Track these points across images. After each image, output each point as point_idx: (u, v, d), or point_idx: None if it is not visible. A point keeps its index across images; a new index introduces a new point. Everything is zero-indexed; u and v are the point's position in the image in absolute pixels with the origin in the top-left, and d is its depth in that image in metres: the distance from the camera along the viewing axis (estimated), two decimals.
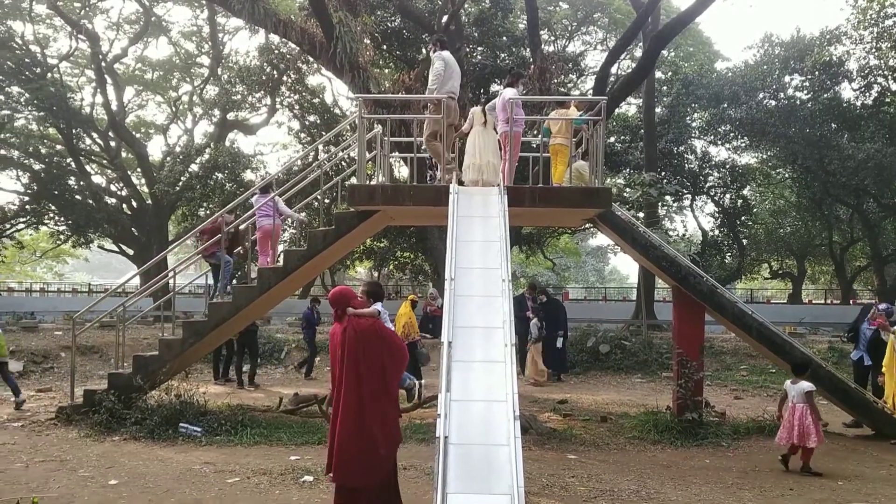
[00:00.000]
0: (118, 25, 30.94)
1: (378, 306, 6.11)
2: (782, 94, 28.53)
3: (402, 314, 12.99)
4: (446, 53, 10.32)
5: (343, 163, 18.27)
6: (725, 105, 27.81)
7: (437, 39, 10.85)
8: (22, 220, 32.42)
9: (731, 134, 29.84)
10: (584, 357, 17.41)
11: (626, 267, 73.97)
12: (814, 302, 38.71)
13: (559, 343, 15.75)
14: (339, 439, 5.54)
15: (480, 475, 5.12)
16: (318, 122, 26.55)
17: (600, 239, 47.88)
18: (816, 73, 27.09)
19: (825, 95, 27.42)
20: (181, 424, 9.59)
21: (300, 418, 10.64)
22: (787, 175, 32.96)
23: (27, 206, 31.46)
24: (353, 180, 11.38)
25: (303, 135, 27.98)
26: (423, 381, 11.20)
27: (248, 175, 25.97)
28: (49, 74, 28.69)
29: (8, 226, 32.28)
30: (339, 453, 5.53)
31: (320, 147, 19.69)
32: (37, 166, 30.92)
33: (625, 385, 15.65)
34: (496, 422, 5.56)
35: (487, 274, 7.30)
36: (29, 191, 31.14)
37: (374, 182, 11.03)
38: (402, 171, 22.69)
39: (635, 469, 8.30)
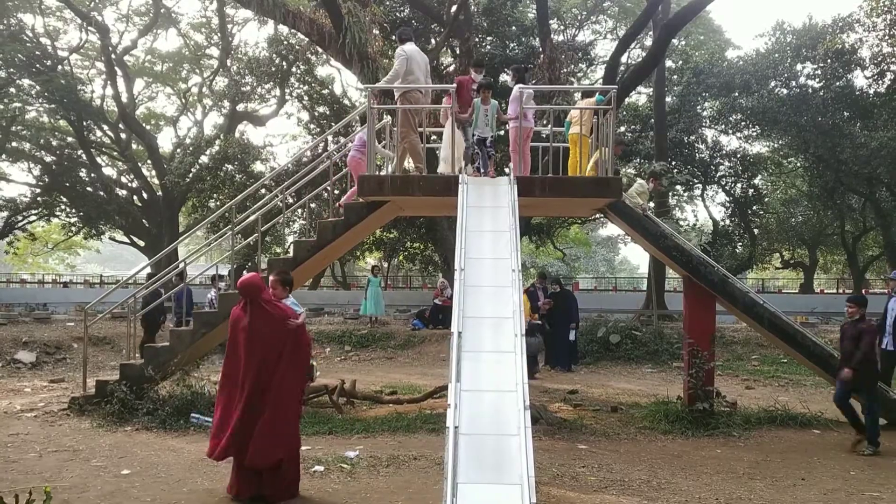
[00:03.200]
0: (128, 17, 31.02)
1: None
2: (794, 83, 28.30)
3: None
4: (409, 47, 10.09)
5: None
6: (736, 94, 27.62)
7: (399, 33, 10.63)
8: (34, 212, 32.69)
9: (743, 123, 29.64)
10: (594, 347, 17.38)
11: (636, 257, 73.79)
12: (825, 292, 38.50)
13: (571, 336, 15.73)
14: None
15: (491, 465, 5.13)
16: (328, 112, 26.55)
17: (610, 229, 47.79)
18: (829, 60, 26.84)
19: (837, 83, 27.17)
20: (192, 415, 9.63)
21: (310, 408, 10.67)
22: (798, 164, 32.76)
23: (39, 199, 31.72)
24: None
25: (312, 126, 28.00)
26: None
27: (258, 166, 26.02)
28: (59, 67, 28.82)
29: (20, 218, 32.53)
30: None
31: (329, 138, 19.71)
32: (48, 158, 31.14)
33: (635, 375, 15.62)
34: (506, 412, 5.56)
35: (497, 264, 7.29)
36: (40, 183, 31.36)
37: (383, 172, 11.01)
38: (411, 162, 22.66)
39: (646, 459, 8.28)
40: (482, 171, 8.71)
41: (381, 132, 11.23)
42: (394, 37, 10.73)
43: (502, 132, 8.95)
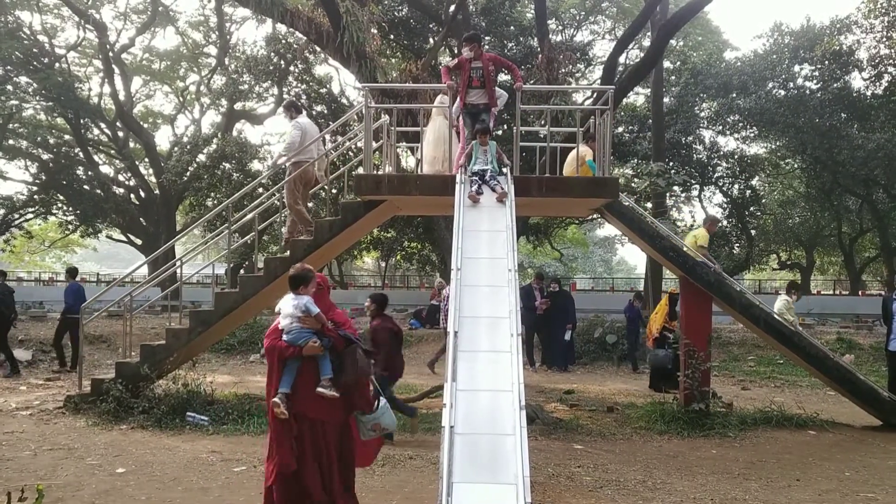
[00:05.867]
0: (125, 15, 30.99)
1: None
2: (792, 84, 28.34)
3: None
4: (303, 119, 10.53)
5: (350, 152, 18.24)
6: (734, 95, 27.64)
7: (289, 104, 10.92)
8: (31, 209, 32.63)
9: (740, 124, 29.68)
10: (590, 347, 17.40)
11: (633, 257, 73.95)
12: (822, 293, 38.57)
13: (567, 335, 15.76)
14: None
15: (486, 464, 5.12)
16: (326, 111, 26.49)
17: (608, 229, 47.90)
18: (826, 62, 26.88)
19: (835, 85, 27.24)
20: (188, 413, 9.62)
21: None
22: (796, 165, 32.80)
23: (36, 196, 31.66)
24: (360, 170, 11.36)
25: None
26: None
27: (256, 165, 25.99)
28: (57, 65, 28.78)
29: (17, 216, 32.49)
30: None
31: (327, 137, 19.64)
32: (45, 156, 31.11)
33: (631, 375, 15.64)
34: (502, 411, 5.55)
35: (494, 264, 7.28)
36: (37, 181, 31.33)
37: (380, 172, 11.00)
38: (409, 161, 22.65)
39: (641, 459, 8.29)
40: (478, 195, 8.44)
41: (378, 131, 11.21)
42: (281, 108, 10.97)
43: (505, 170, 8.86)
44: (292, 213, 10.52)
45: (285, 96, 28.82)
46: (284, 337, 5.09)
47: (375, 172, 10.41)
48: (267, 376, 5.24)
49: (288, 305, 5.16)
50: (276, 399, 4.97)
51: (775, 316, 10.60)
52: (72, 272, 15.66)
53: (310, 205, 10.98)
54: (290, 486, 5.02)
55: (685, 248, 10.66)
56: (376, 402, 5.26)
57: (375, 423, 5.20)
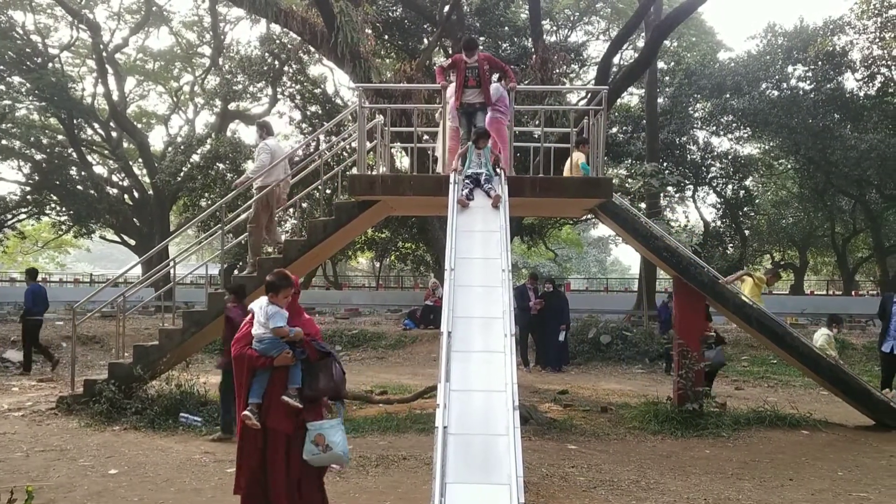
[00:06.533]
0: (119, 15, 30.89)
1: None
2: (785, 85, 28.39)
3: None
4: (272, 142, 10.66)
5: (344, 153, 18.22)
6: (728, 95, 27.69)
7: (262, 124, 11.01)
8: (24, 210, 32.51)
9: (734, 124, 29.72)
10: (585, 348, 17.42)
11: (627, 258, 73.98)
12: (816, 293, 38.66)
13: (561, 336, 15.77)
14: None
15: (479, 465, 5.11)
16: (320, 112, 26.47)
17: (602, 229, 47.91)
18: (819, 63, 26.95)
19: (828, 86, 27.28)
20: (181, 414, 9.61)
21: None
22: (789, 166, 32.87)
23: (29, 197, 31.54)
24: (354, 170, 11.35)
25: (304, 125, 27.92)
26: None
27: (250, 165, 25.92)
28: (50, 64, 28.68)
29: (10, 216, 32.36)
30: None
31: (321, 137, 19.67)
32: (38, 156, 30.97)
33: (626, 376, 15.66)
34: (496, 412, 5.55)
35: (488, 264, 7.27)
36: (30, 181, 31.21)
37: (374, 172, 10.99)
38: (404, 162, 22.65)
39: (635, 459, 8.30)
40: (468, 200, 8.29)
41: (372, 131, 11.20)
42: (257, 130, 11.02)
43: (498, 171, 8.76)
44: (251, 234, 10.60)
45: (279, 97, 28.84)
46: (256, 345, 4.96)
47: (369, 173, 10.39)
48: (236, 386, 5.06)
49: (260, 313, 5.00)
50: (246, 412, 4.87)
51: (816, 350, 10.53)
52: (31, 274, 15.51)
53: (286, 224, 11.05)
54: (257, 498, 4.98)
55: (744, 297, 10.63)
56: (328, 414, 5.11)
57: (319, 435, 4.92)
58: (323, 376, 4.97)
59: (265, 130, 10.84)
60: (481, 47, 22.30)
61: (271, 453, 4.94)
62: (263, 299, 5.09)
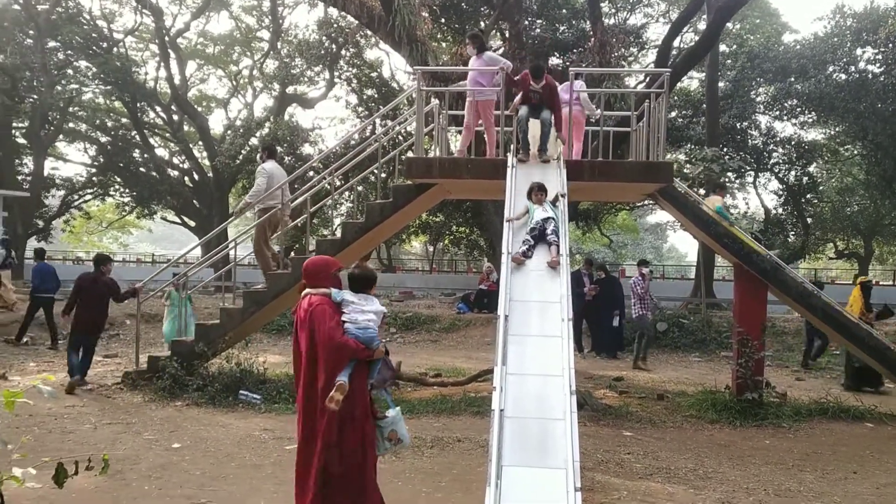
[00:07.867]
0: (181, 0, 31.44)
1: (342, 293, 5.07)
2: (853, 68, 27.41)
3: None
4: (270, 165, 10.70)
5: (400, 136, 18.29)
6: (792, 79, 26.88)
7: (265, 146, 11.23)
8: (89, 191, 33.51)
9: (798, 109, 28.84)
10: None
11: (684, 245, 72.83)
12: (881, 283, 37.48)
13: (615, 322, 15.62)
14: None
15: (535, 448, 5.11)
16: (376, 95, 26.60)
17: (659, 216, 47.18)
18: (890, 45, 25.89)
19: None
20: (241, 392, 9.81)
21: None
22: (856, 152, 31.83)
23: (94, 178, 32.51)
24: (411, 153, 11.38)
25: (360, 109, 28.10)
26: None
27: (307, 149, 26.25)
28: (115, 49, 29.42)
29: (76, 197, 33.39)
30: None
31: (377, 121, 19.77)
32: (103, 139, 31.88)
33: (682, 364, 15.44)
34: (551, 396, 5.54)
35: None
36: (96, 163, 32.17)
37: (431, 155, 11.00)
38: (458, 145, 22.60)
39: (692, 448, 8.19)
40: (524, 258, 7.72)
41: (428, 114, 11.21)
42: (259, 152, 11.15)
43: (559, 205, 8.29)
44: (257, 257, 10.85)
45: (336, 81, 29.05)
46: (356, 333, 4.75)
47: (426, 156, 10.41)
48: (325, 372, 4.69)
49: (365, 304, 4.92)
50: (343, 380, 4.61)
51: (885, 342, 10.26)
52: (39, 254, 15.84)
53: (276, 248, 11.19)
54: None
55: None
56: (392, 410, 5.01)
57: (392, 431, 4.88)
58: (384, 366, 4.98)
59: (267, 152, 11.02)
60: (538, 30, 22.18)
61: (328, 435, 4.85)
62: (353, 294, 4.98)
